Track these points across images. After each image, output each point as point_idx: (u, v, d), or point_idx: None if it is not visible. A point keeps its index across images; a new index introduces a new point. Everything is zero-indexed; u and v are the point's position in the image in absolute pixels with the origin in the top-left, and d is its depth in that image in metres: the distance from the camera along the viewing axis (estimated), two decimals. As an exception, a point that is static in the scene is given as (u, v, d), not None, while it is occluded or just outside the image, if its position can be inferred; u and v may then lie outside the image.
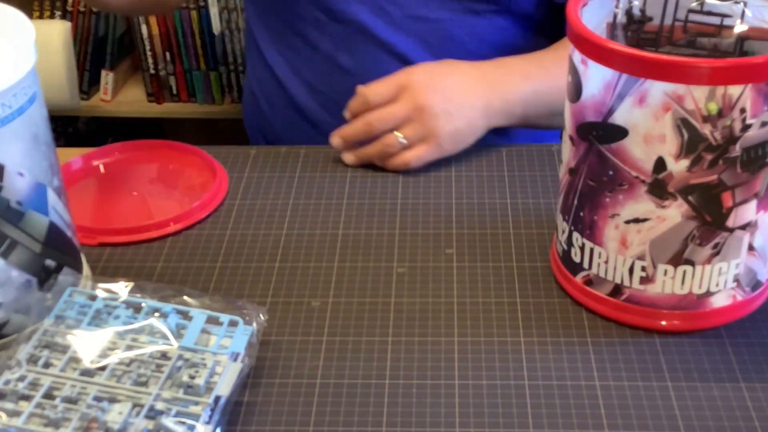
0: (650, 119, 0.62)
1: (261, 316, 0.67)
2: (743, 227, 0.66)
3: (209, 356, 0.63)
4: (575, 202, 0.69)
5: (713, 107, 0.60)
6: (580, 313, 0.73)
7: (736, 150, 0.62)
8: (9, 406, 0.59)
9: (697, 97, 0.60)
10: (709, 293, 0.68)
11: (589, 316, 0.72)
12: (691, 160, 0.62)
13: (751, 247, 0.67)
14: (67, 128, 2.24)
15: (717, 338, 0.70)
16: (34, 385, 0.61)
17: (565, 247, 0.72)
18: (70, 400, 0.60)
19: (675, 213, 0.65)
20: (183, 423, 0.59)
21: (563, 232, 0.72)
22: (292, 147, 0.96)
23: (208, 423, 0.59)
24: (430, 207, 0.86)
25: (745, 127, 0.61)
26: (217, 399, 0.61)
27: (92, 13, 2.07)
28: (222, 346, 0.64)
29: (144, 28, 2.10)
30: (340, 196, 0.88)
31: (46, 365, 0.62)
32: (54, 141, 0.68)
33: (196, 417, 0.59)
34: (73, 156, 0.93)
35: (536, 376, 0.67)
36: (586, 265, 0.71)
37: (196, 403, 0.60)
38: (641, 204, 0.65)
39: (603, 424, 0.63)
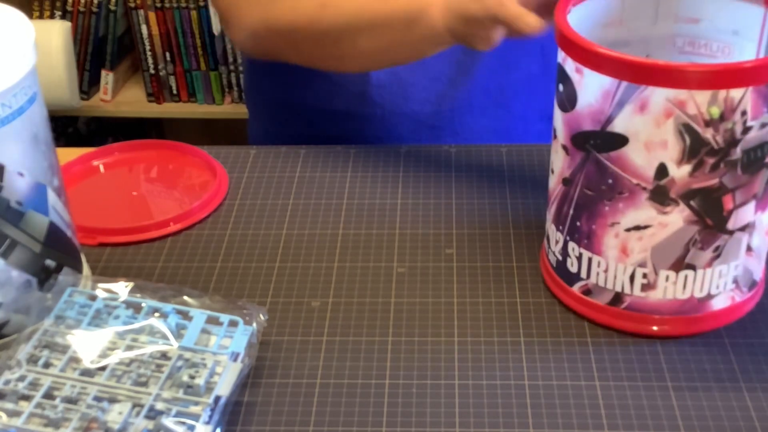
0: (651, 126, 0.61)
1: (261, 316, 0.67)
2: (743, 228, 0.66)
3: (209, 356, 0.63)
4: (571, 212, 0.69)
5: (715, 111, 0.60)
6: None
7: (737, 153, 0.62)
8: (9, 406, 0.59)
9: (699, 101, 0.60)
10: (709, 296, 0.68)
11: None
12: (693, 165, 0.62)
13: (749, 248, 0.67)
14: (67, 128, 2.24)
15: (717, 339, 0.70)
16: (34, 385, 0.61)
17: (560, 257, 0.72)
18: (70, 400, 0.60)
19: (677, 218, 0.64)
20: (183, 423, 0.59)
21: (557, 242, 0.72)
22: (291, 147, 0.96)
23: (208, 423, 0.59)
24: (430, 207, 0.86)
25: (746, 130, 0.61)
26: (217, 399, 0.61)
27: (92, 13, 2.08)
28: (222, 346, 0.64)
29: (144, 28, 2.10)
30: (340, 196, 0.88)
31: (46, 365, 0.62)
32: (54, 141, 0.68)
33: (196, 417, 0.59)
34: (73, 156, 0.93)
35: (536, 376, 0.67)
36: (584, 275, 0.70)
37: (196, 403, 0.60)
38: (642, 211, 0.65)
39: (603, 425, 0.63)
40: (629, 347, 0.69)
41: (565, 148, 0.68)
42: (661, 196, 0.64)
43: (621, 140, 0.63)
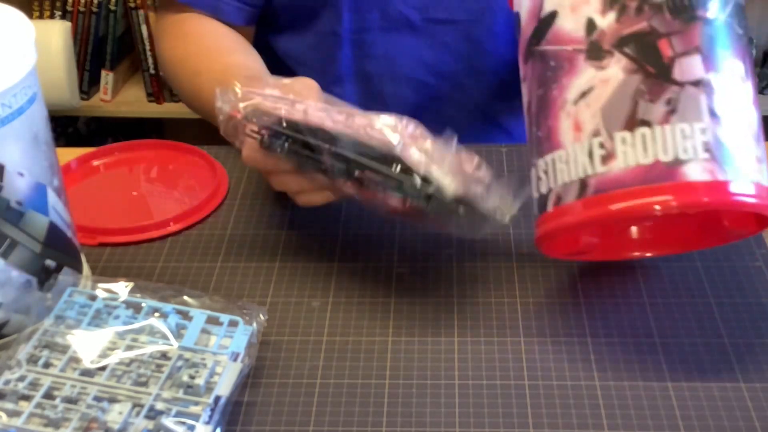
0: None
1: (261, 316, 0.67)
2: (694, 84, 0.64)
3: (209, 356, 0.63)
4: (534, 129, 0.69)
5: None
6: (581, 313, 0.73)
7: None
8: (9, 406, 0.59)
9: None
10: (678, 161, 0.63)
11: (588, 316, 0.72)
12: (617, 11, 0.64)
13: (713, 113, 0.64)
14: (67, 128, 2.24)
15: (718, 339, 0.70)
16: (34, 385, 0.61)
17: (537, 192, 0.69)
18: (70, 400, 0.60)
19: (616, 70, 0.64)
20: (183, 423, 0.59)
21: (538, 179, 0.69)
22: (292, 147, 0.96)
23: (208, 423, 0.59)
24: (430, 207, 0.86)
25: None
26: (217, 399, 0.61)
27: (92, 13, 2.07)
28: (222, 346, 0.64)
29: (144, 28, 2.10)
30: (340, 196, 0.88)
31: (46, 365, 0.62)
32: (54, 141, 0.68)
33: (196, 417, 0.59)
34: (73, 156, 0.93)
35: (536, 376, 0.67)
36: (552, 183, 0.67)
37: (196, 403, 0.60)
38: (583, 75, 0.65)
39: (603, 424, 0.63)
40: (629, 347, 0.69)
41: (523, 77, 0.70)
42: (595, 51, 0.65)
43: (552, 17, 0.66)
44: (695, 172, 0.63)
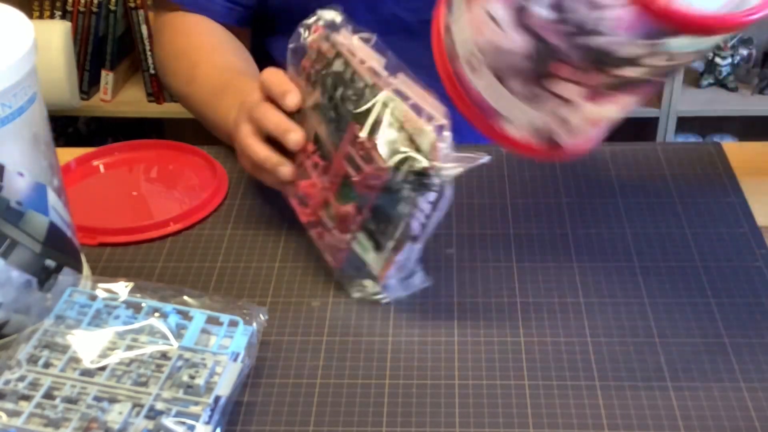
0: None
1: (261, 316, 0.67)
2: (559, 97, 0.63)
3: (209, 356, 0.63)
4: None
5: None
6: (581, 313, 0.73)
7: (596, 42, 0.59)
8: (9, 406, 0.59)
9: None
10: (508, 119, 0.66)
11: (588, 316, 0.72)
12: (557, 14, 0.59)
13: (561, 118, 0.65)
14: (67, 128, 2.24)
15: (717, 339, 0.70)
16: (34, 385, 0.61)
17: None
18: (70, 400, 0.60)
19: (520, 41, 0.61)
20: (183, 423, 0.59)
21: None
22: (292, 147, 0.96)
23: (208, 423, 0.59)
24: (430, 207, 0.86)
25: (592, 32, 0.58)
26: (217, 399, 0.61)
27: (92, 13, 2.08)
28: (222, 346, 0.64)
29: (144, 28, 2.10)
30: (340, 196, 0.88)
31: (46, 365, 0.62)
32: (54, 141, 0.68)
33: (196, 417, 0.59)
34: (73, 156, 0.93)
35: (536, 376, 0.67)
36: (450, 23, 0.68)
37: (196, 403, 0.60)
38: (507, 7, 0.61)
39: (603, 425, 0.63)
40: (629, 347, 0.69)
41: None
42: (519, 15, 0.60)
43: None
44: (514, 130, 0.66)
